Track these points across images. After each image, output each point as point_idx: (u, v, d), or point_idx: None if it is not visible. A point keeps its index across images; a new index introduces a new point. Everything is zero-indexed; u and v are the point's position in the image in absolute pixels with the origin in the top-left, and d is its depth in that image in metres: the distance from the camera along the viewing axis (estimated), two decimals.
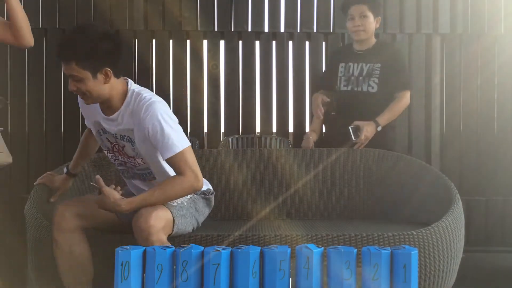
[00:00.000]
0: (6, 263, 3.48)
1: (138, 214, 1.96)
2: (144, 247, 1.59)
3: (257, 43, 4.11)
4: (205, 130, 4.11)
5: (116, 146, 2.14)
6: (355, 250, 1.54)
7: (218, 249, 1.53)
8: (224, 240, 2.16)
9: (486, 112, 4.10)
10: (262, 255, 1.56)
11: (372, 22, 3.04)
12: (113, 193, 1.94)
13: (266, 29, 4.14)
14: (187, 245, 1.58)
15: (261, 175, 2.92)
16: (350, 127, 2.92)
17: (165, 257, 1.53)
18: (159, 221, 1.93)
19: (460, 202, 2.41)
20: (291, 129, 4.14)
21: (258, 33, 4.11)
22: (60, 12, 4.03)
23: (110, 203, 1.93)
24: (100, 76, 1.97)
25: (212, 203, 2.41)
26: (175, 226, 2.04)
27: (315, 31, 4.13)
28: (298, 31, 4.13)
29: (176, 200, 2.09)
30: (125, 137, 2.09)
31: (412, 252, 1.53)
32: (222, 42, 4.10)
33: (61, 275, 2.09)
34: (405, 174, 2.81)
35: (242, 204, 2.87)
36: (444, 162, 4.09)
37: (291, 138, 4.05)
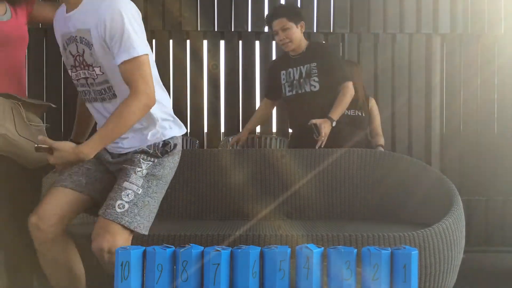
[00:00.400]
0: (6, 263, 3.47)
1: (94, 234, 1.82)
2: (144, 247, 1.59)
3: (257, 43, 4.11)
4: (205, 130, 4.11)
5: (78, 57, 1.89)
6: (355, 250, 1.54)
7: (218, 249, 1.52)
8: (224, 240, 2.16)
9: (486, 112, 4.10)
10: (262, 255, 1.56)
11: (296, 31, 3.14)
12: (66, 144, 1.76)
13: (266, 29, 4.14)
14: (187, 245, 1.57)
15: (261, 175, 2.92)
16: (311, 125, 3.00)
17: (165, 257, 1.53)
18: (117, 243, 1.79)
19: (461, 203, 2.40)
20: (291, 129, 4.14)
21: (258, 33, 4.11)
22: None
23: (70, 155, 1.74)
24: None
25: (178, 157, 2.11)
26: (137, 229, 1.87)
27: (315, 31, 4.13)
28: None
29: (129, 190, 1.86)
30: (84, 40, 1.85)
31: (412, 252, 1.53)
32: (222, 42, 4.10)
33: (52, 284, 2.00)
34: (405, 174, 2.81)
35: (242, 204, 2.87)
36: (444, 162, 4.09)
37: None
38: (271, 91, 3.46)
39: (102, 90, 1.91)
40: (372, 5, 4.13)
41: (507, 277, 3.37)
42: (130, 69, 1.79)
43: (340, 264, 1.52)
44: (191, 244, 1.58)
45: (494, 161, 4.07)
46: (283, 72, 3.26)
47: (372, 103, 3.71)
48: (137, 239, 2.15)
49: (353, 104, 3.61)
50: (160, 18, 4.04)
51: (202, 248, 1.56)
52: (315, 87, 3.15)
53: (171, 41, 4.07)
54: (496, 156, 4.08)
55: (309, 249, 1.52)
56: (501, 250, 3.99)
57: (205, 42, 4.11)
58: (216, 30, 4.10)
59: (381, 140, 3.62)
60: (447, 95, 4.13)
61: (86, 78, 1.92)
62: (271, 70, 3.45)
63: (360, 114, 3.60)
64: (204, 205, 2.90)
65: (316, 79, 3.14)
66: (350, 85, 3.17)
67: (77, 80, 1.96)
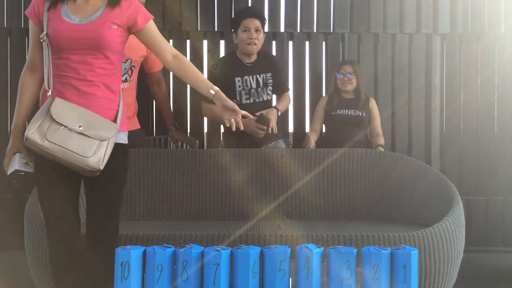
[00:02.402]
0: (6, 263, 3.48)
1: None
2: (144, 247, 1.59)
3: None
4: (205, 130, 4.11)
5: None
6: (355, 250, 1.54)
7: (218, 249, 1.52)
8: (224, 240, 2.16)
9: (486, 112, 4.10)
10: (262, 255, 1.56)
11: (263, 38, 3.27)
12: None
13: (266, 29, 4.13)
14: (187, 245, 1.58)
15: (261, 175, 2.92)
16: (258, 116, 3.08)
17: (165, 257, 1.53)
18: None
19: (461, 203, 2.40)
20: (291, 129, 4.14)
21: None
22: None
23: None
24: None
25: None
26: None
27: (315, 31, 4.13)
28: (298, 31, 4.13)
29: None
30: None
31: (412, 252, 1.53)
32: (222, 42, 4.10)
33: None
34: (405, 174, 2.81)
35: (242, 204, 2.87)
36: (444, 162, 4.09)
37: (291, 138, 4.05)
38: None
39: None
40: (372, 5, 4.13)
41: (507, 277, 3.37)
42: None
43: (340, 264, 1.52)
44: (191, 244, 1.58)
45: (494, 161, 4.07)
46: (238, 79, 3.24)
47: (372, 103, 3.72)
48: (138, 239, 2.16)
49: (354, 104, 3.62)
50: (160, 18, 4.04)
51: (202, 248, 1.57)
52: (269, 95, 3.34)
53: (171, 41, 4.07)
54: (496, 156, 4.08)
55: (309, 249, 1.53)
56: (501, 250, 3.99)
57: (205, 42, 4.10)
58: (216, 30, 4.10)
59: (381, 140, 3.63)
60: (447, 95, 4.13)
61: None
62: (223, 75, 3.25)
63: (360, 114, 3.61)
64: (204, 205, 2.90)
65: (271, 88, 3.33)
66: (288, 94, 3.52)
67: None
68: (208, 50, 4.07)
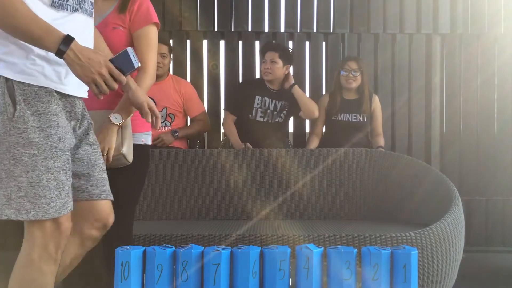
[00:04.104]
0: (6, 263, 3.48)
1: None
2: (144, 247, 1.59)
3: (257, 43, 4.11)
4: None
5: None
6: (355, 250, 1.54)
7: (218, 249, 1.52)
8: (224, 240, 2.16)
9: (486, 112, 4.10)
10: (262, 255, 1.56)
11: (280, 68, 3.50)
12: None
13: (266, 29, 4.14)
14: (187, 245, 1.58)
15: (261, 175, 2.93)
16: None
17: (165, 257, 1.53)
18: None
19: (460, 203, 2.40)
20: (291, 129, 4.14)
21: (258, 33, 4.11)
22: None
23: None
24: None
25: None
26: None
27: (315, 31, 4.13)
28: (298, 31, 4.13)
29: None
30: None
31: (412, 252, 1.53)
32: (222, 42, 4.10)
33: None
34: (405, 174, 2.81)
35: (242, 204, 2.87)
36: (444, 162, 4.09)
37: (291, 138, 4.05)
38: (239, 108, 3.60)
39: (92, 4, 1.66)
40: (372, 5, 4.13)
41: (507, 277, 3.36)
42: None
43: (340, 264, 1.52)
44: (191, 244, 1.58)
45: (494, 161, 4.07)
46: (258, 97, 3.54)
47: (376, 102, 3.65)
48: (137, 239, 2.16)
49: (356, 107, 3.57)
50: (160, 18, 4.02)
51: (202, 248, 1.57)
52: (282, 118, 3.61)
53: (171, 41, 4.06)
54: (496, 156, 4.08)
55: (309, 249, 1.53)
56: (501, 250, 3.98)
57: (205, 42, 4.11)
58: (216, 30, 4.10)
59: (381, 141, 3.61)
60: (447, 95, 4.13)
61: None
62: (245, 90, 3.66)
63: (361, 119, 3.56)
64: (204, 205, 2.90)
65: (285, 113, 3.60)
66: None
67: None
68: (208, 50, 4.08)
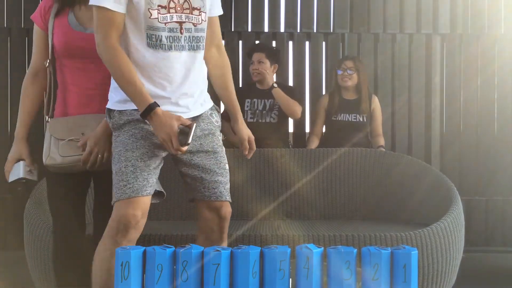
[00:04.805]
0: (6, 263, 3.48)
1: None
2: (144, 247, 1.59)
3: (257, 43, 4.11)
4: None
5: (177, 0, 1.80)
6: (355, 250, 1.54)
7: (218, 249, 1.52)
8: None
9: (486, 112, 4.10)
10: (262, 255, 1.56)
11: (268, 67, 3.53)
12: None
13: (266, 29, 4.14)
14: (187, 245, 1.58)
15: (261, 175, 2.92)
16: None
17: (165, 257, 1.53)
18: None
19: (460, 202, 2.40)
20: (291, 129, 4.14)
21: (258, 33, 4.11)
22: None
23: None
24: None
25: None
26: None
27: (315, 31, 4.13)
28: (298, 31, 4.13)
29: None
30: None
31: (412, 252, 1.53)
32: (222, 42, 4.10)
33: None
34: (405, 174, 2.81)
35: (242, 204, 2.87)
36: (444, 162, 4.09)
37: (291, 138, 4.05)
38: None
39: (197, 39, 1.84)
40: (372, 5, 4.13)
41: (507, 277, 3.36)
42: (218, 22, 1.96)
43: (340, 264, 1.52)
44: (191, 244, 1.58)
45: (494, 161, 4.07)
46: (247, 100, 3.58)
47: (375, 103, 3.65)
48: (138, 239, 2.15)
49: (355, 107, 3.58)
50: None
51: (202, 248, 1.57)
52: (274, 119, 3.58)
53: None
54: (496, 156, 4.08)
55: (309, 249, 1.52)
56: (501, 250, 3.98)
57: None
58: None
59: (382, 141, 3.61)
60: (447, 95, 4.13)
61: (181, 23, 1.80)
62: (238, 95, 3.56)
63: (361, 119, 3.56)
64: None
65: (277, 113, 3.56)
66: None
67: (164, 23, 1.77)
68: None
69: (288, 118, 3.71)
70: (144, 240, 2.16)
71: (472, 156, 4.08)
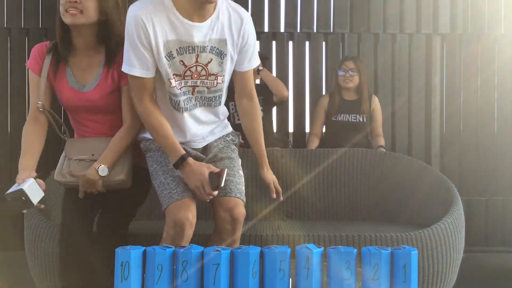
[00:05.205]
0: (6, 262, 3.48)
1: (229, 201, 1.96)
2: (144, 247, 1.59)
3: (257, 43, 4.11)
4: None
5: (194, 67, 1.91)
6: (355, 250, 1.54)
7: (218, 249, 1.52)
8: None
9: (486, 112, 4.10)
10: (262, 255, 1.56)
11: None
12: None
13: (266, 29, 4.14)
14: (187, 245, 1.58)
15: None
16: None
17: (165, 257, 1.53)
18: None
19: (460, 203, 2.40)
20: (291, 129, 4.14)
21: (258, 33, 4.11)
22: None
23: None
24: None
25: None
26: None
27: (315, 31, 4.13)
28: (298, 31, 4.13)
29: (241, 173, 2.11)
30: (215, 49, 1.92)
31: (412, 252, 1.53)
32: None
33: None
34: (405, 174, 2.81)
35: None
36: (444, 162, 4.09)
37: (291, 138, 4.05)
38: None
39: (213, 98, 2.03)
40: (372, 5, 4.14)
41: (507, 277, 3.36)
42: (250, 75, 2.09)
43: (340, 264, 1.52)
44: (191, 244, 1.58)
45: (493, 161, 4.07)
46: (231, 103, 3.44)
47: (375, 103, 3.65)
48: (138, 239, 2.15)
49: (356, 107, 3.58)
50: None
51: (202, 248, 1.56)
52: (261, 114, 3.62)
53: None
54: (496, 156, 4.08)
55: (309, 249, 1.52)
56: (501, 250, 3.99)
57: None
58: None
59: (382, 142, 3.61)
60: (447, 95, 4.13)
61: (194, 87, 1.97)
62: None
63: (361, 120, 3.56)
64: (204, 205, 2.89)
65: (261, 108, 3.46)
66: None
67: (179, 88, 1.94)
68: None
69: (271, 110, 3.71)
70: (144, 240, 2.16)
71: (472, 156, 4.08)
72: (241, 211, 1.97)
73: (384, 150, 3.48)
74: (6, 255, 3.64)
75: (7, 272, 3.24)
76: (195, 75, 1.94)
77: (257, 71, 3.48)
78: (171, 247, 1.56)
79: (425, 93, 4.11)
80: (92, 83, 2.01)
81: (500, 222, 4.02)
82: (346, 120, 3.56)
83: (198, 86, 1.97)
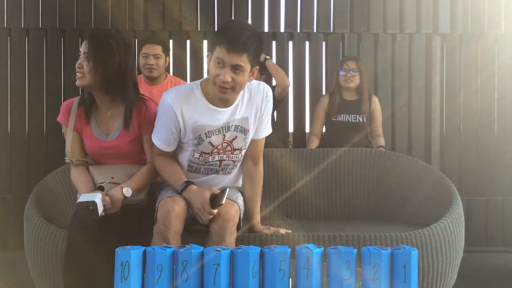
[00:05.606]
0: (6, 263, 3.48)
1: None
2: (144, 247, 1.59)
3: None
4: None
5: (221, 146, 2.14)
6: (355, 250, 1.54)
7: (218, 249, 1.52)
8: None
9: (486, 112, 4.10)
10: (262, 255, 1.56)
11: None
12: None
13: (266, 29, 4.14)
14: (187, 245, 1.58)
15: None
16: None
17: (165, 257, 1.53)
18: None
19: (460, 203, 2.40)
20: (291, 129, 4.14)
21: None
22: (60, 12, 4.04)
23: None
24: (251, 72, 2.05)
25: None
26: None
27: (315, 31, 4.13)
28: (298, 31, 4.14)
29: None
30: (239, 128, 2.14)
31: (412, 252, 1.53)
32: None
33: None
34: (405, 174, 2.81)
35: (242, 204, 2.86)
36: (444, 162, 4.09)
37: (291, 138, 4.05)
38: None
39: (230, 166, 2.22)
40: (372, 5, 4.14)
41: (507, 277, 3.36)
42: (262, 142, 2.24)
43: (340, 264, 1.52)
44: (191, 244, 1.58)
45: (494, 161, 4.07)
46: None
47: (375, 103, 3.64)
48: (137, 239, 2.15)
49: (356, 107, 3.57)
50: (160, 18, 4.04)
51: (202, 248, 1.57)
52: None
53: (171, 41, 4.07)
54: (496, 156, 4.08)
55: (309, 249, 1.53)
56: (501, 250, 3.99)
57: (205, 42, 4.11)
58: (216, 30, 4.09)
59: (382, 141, 3.60)
60: (447, 95, 4.14)
61: (221, 161, 2.18)
62: None
63: (361, 120, 3.56)
64: None
65: None
66: None
67: (205, 162, 2.16)
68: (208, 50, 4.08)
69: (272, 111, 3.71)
70: (144, 240, 2.16)
71: (472, 156, 4.08)
72: (230, 210, 2.00)
73: (384, 150, 3.48)
74: (6, 255, 3.64)
75: (7, 272, 3.24)
76: (221, 151, 2.15)
77: (263, 61, 3.49)
78: (171, 247, 1.56)
79: (425, 93, 4.11)
80: (114, 133, 2.21)
81: (500, 222, 4.02)
82: (346, 120, 3.55)
83: (224, 160, 2.18)
